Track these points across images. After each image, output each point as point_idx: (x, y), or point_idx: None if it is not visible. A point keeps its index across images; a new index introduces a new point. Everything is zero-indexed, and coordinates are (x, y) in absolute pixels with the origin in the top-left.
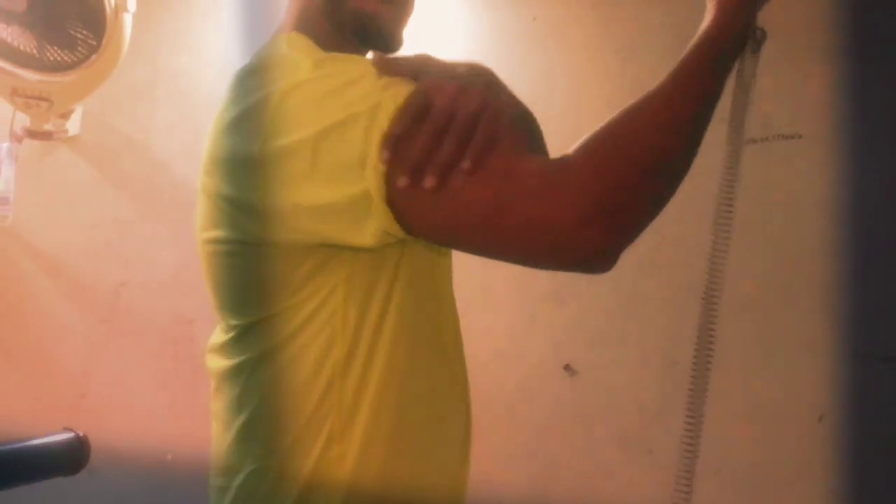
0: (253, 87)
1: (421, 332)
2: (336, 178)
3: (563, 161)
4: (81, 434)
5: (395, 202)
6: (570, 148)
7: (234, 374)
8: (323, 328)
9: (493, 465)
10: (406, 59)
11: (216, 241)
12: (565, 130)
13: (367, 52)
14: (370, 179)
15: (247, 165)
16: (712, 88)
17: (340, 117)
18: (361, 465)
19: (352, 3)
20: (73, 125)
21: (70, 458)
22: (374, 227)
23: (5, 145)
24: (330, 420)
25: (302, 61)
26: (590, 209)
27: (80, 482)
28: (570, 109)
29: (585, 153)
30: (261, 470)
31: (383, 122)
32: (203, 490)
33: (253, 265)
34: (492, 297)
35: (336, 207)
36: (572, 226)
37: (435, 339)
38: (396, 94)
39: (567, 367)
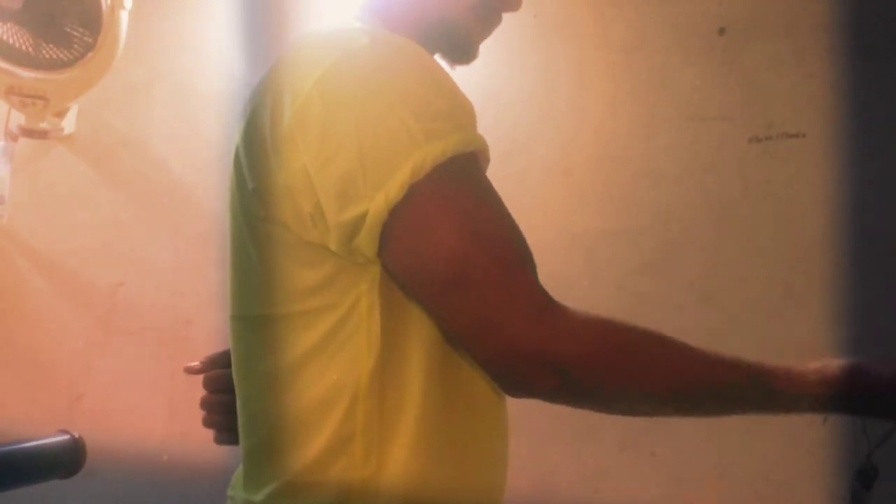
0: (304, 52)
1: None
2: (345, 188)
3: (560, 305)
4: (77, 436)
5: (384, 239)
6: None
7: (255, 384)
8: (346, 343)
9: None
10: None
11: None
12: (566, 129)
13: (436, 54)
14: (376, 204)
15: (274, 137)
16: (732, 407)
17: (372, 125)
18: (394, 491)
19: (442, 7)
20: (68, 124)
21: (66, 461)
22: (356, 245)
23: (0, 144)
24: (352, 442)
25: (361, 35)
26: (551, 358)
27: (77, 483)
28: (570, 108)
29: (592, 326)
30: (282, 488)
31: (420, 163)
32: (201, 491)
33: (269, 247)
34: None
35: (333, 218)
36: (529, 354)
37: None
38: (447, 143)
39: None
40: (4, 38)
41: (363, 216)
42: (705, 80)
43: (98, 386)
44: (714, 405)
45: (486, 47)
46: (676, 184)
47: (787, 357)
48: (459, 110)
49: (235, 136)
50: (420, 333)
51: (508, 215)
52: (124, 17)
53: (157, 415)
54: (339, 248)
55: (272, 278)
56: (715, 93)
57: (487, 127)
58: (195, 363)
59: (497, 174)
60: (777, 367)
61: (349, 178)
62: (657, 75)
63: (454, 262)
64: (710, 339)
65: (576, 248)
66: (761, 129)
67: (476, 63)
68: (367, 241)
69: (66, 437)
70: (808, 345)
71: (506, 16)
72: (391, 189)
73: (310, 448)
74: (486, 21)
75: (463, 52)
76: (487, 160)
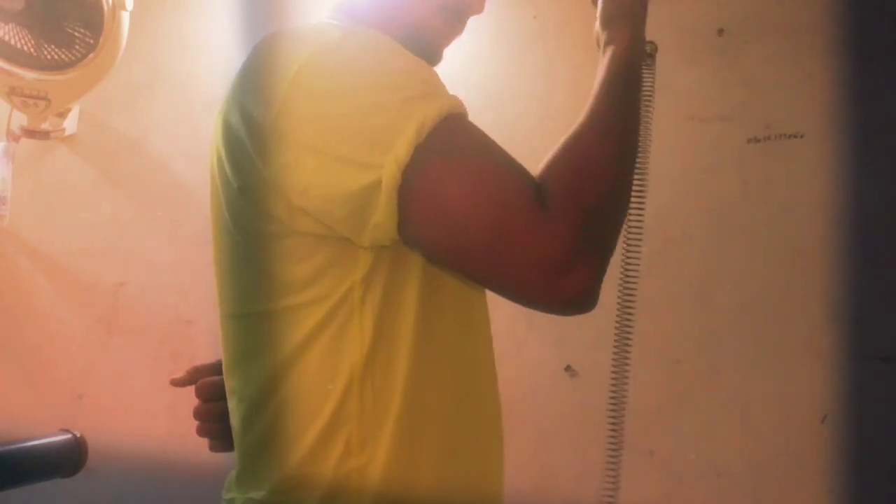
0: (275, 50)
1: (450, 338)
2: (350, 163)
3: (546, 190)
4: (79, 435)
5: (402, 204)
6: (537, 172)
7: (251, 381)
8: (340, 332)
9: None
10: None
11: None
12: (566, 129)
13: None
14: (388, 169)
15: (254, 135)
16: (637, 101)
17: (365, 102)
18: (386, 479)
19: (410, 12)
20: (70, 124)
21: (68, 460)
22: (374, 221)
23: (2, 144)
24: (347, 430)
25: (332, 29)
26: (578, 243)
27: (79, 483)
28: (569, 108)
29: (558, 184)
30: (284, 482)
31: (421, 122)
32: (201, 491)
33: (260, 244)
34: (492, 297)
35: (343, 195)
36: (568, 260)
37: (465, 345)
38: (441, 104)
39: (568, 368)
40: (6, 38)
41: (376, 186)
42: (704, 81)
43: (99, 385)
44: (633, 104)
45: (487, 48)
46: (676, 184)
47: (786, 357)
48: (439, 82)
49: (214, 140)
50: (409, 318)
51: (505, 154)
52: (125, 17)
53: (159, 414)
54: (355, 234)
55: (265, 274)
56: (714, 93)
57: (487, 127)
58: (180, 375)
59: None
60: (622, 55)
61: (348, 159)
62: (656, 75)
63: (481, 228)
64: (710, 339)
65: None
66: (760, 130)
67: (477, 63)
68: (386, 215)
69: (68, 436)
70: (808, 345)
71: (506, 17)
72: (399, 152)
73: (308, 439)
74: (452, 26)
75: (428, 55)
76: None
